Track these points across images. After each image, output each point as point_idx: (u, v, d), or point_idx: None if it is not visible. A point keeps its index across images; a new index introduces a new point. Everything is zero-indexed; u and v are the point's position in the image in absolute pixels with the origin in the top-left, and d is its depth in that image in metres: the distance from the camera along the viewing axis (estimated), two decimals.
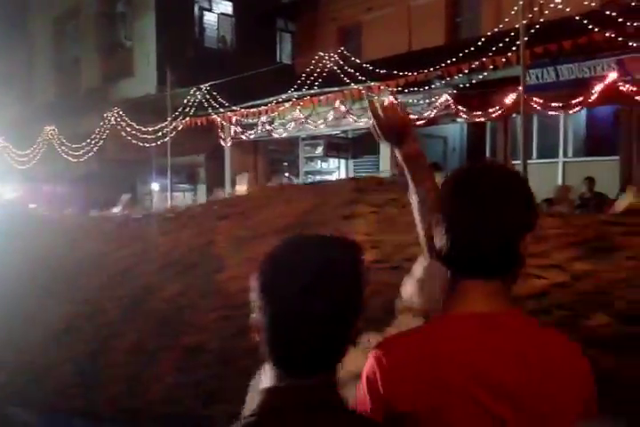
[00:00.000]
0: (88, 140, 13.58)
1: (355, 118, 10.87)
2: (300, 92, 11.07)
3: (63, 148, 13.99)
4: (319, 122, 11.50)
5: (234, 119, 12.80)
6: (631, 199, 2.92)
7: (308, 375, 0.97)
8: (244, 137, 12.93)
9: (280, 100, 11.61)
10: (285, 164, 13.65)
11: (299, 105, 11.50)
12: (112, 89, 15.15)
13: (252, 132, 12.65)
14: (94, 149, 13.55)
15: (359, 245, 1.07)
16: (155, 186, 15.22)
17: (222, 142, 13.31)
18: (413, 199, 1.51)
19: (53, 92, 16.99)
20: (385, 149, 10.45)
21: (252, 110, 12.24)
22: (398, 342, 1.16)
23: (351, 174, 12.65)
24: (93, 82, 15.82)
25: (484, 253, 1.12)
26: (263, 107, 11.94)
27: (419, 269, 1.54)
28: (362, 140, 11.71)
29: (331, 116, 11.20)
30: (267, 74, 11.63)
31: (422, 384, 1.07)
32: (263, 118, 12.36)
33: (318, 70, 10.73)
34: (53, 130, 14.26)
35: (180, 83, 12.43)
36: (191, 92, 12.27)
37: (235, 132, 12.99)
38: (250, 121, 12.70)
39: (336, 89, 10.75)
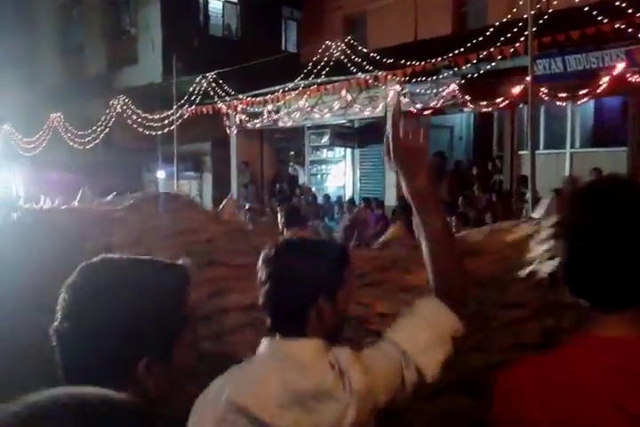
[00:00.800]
0: (94, 128, 13.61)
1: (361, 108, 10.87)
2: (306, 81, 11.05)
3: (69, 134, 14.01)
4: (325, 111, 11.51)
5: (239, 108, 12.80)
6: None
7: None
8: (249, 125, 12.94)
9: (286, 89, 11.60)
10: (292, 153, 13.67)
11: (305, 94, 11.49)
12: (117, 76, 15.13)
13: (258, 120, 12.66)
14: (100, 137, 13.58)
15: (159, 269, 1.03)
16: (160, 174, 15.25)
17: (228, 131, 13.32)
18: (422, 239, 1.38)
19: (58, 77, 16.95)
20: None
21: (257, 99, 12.23)
22: (529, 365, 1.10)
23: (357, 164, 12.68)
24: (98, 69, 15.79)
25: (622, 284, 1.02)
26: (269, 96, 11.94)
27: (428, 313, 1.35)
28: (368, 130, 11.72)
29: (337, 105, 11.20)
30: (272, 62, 11.60)
31: (552, 411, 1.02)
32: (269, 107, 12.36)
33: (325, 59, 10.71)
34: (59, 116, 14.28)
35: (186, 71, 12.42)
36: (197, 80, 12.26)
37: (240, 120, 13.00)
38: (255, 110, 12.70)
39: (342, 78, 10.74)
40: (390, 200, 10.26)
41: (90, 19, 16.44)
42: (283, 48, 15.88)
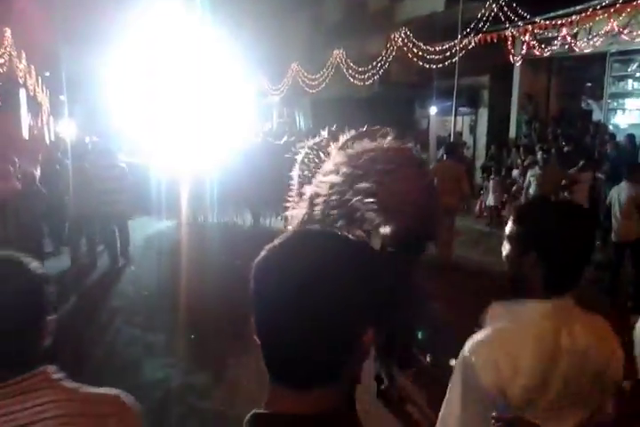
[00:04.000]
0: (374, 63, 13.69)
1: None
2: None
3: (350, 71, 14.38)
4: (638, 33, 9.64)
5: (528, 34, 11.52)
6: None
7: (301, 389, 0.87)
8: (537, 53, 11.62)
9: (591, 7, 10.00)
10: (589, 84, 12.00)
11: (615, 13, 9.76)
12: (398, 8, 14.87)
13: (550, 47, 11.26)
14: (379, 72, 13.63)
15: (366, 244, 1.00)
16: (432, 109, 14.93)
17: (512, 60, 12.19)
18: None
19: (340, 15, 17.41)
20: None
21: (552, 22, 10.82)
22: None
23: None
24: (380, 2, 15.73)
25: None
26: (569, 18, 10.44)
27: None
28: None
29: None
30: None
31: None
32: (564, 31, 10.86)
33: None
34: (341, 53, 14.70)
35: None
36: (486, 4, 11.30)
37: (528, 47, 11.72)
38: (547, 35, 11.30)
39: None
40: None
41: None
42: None
